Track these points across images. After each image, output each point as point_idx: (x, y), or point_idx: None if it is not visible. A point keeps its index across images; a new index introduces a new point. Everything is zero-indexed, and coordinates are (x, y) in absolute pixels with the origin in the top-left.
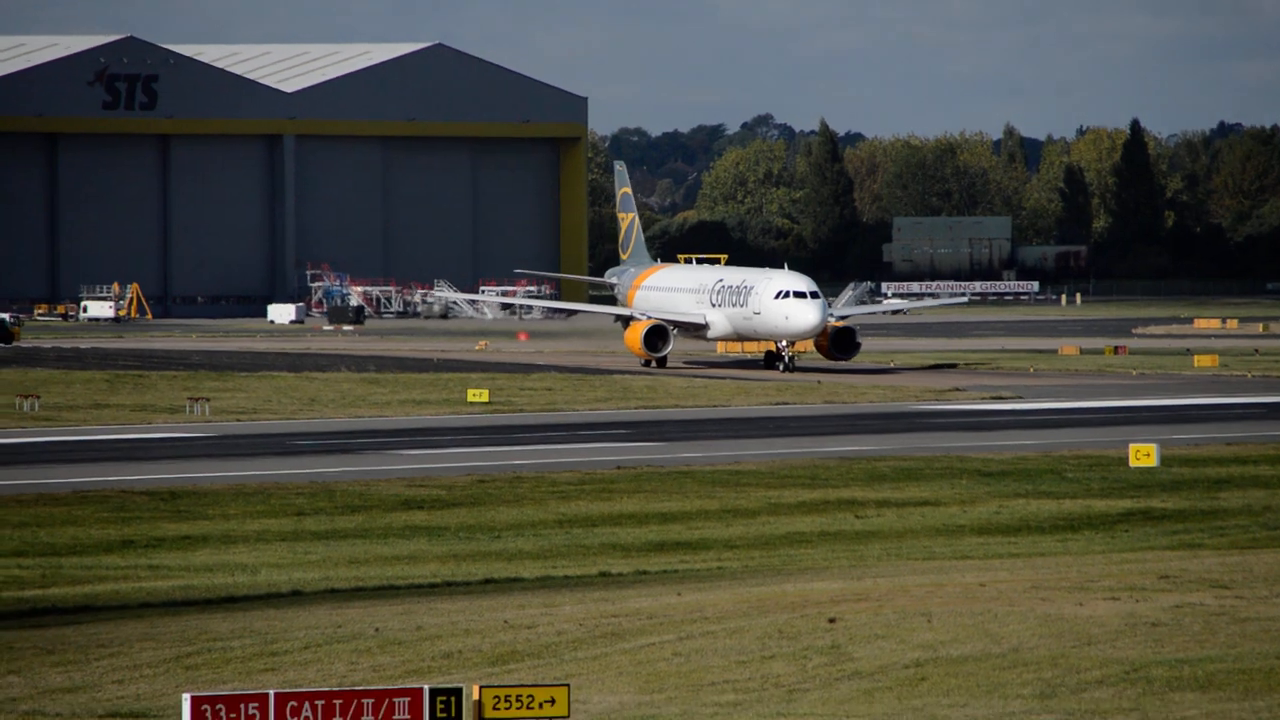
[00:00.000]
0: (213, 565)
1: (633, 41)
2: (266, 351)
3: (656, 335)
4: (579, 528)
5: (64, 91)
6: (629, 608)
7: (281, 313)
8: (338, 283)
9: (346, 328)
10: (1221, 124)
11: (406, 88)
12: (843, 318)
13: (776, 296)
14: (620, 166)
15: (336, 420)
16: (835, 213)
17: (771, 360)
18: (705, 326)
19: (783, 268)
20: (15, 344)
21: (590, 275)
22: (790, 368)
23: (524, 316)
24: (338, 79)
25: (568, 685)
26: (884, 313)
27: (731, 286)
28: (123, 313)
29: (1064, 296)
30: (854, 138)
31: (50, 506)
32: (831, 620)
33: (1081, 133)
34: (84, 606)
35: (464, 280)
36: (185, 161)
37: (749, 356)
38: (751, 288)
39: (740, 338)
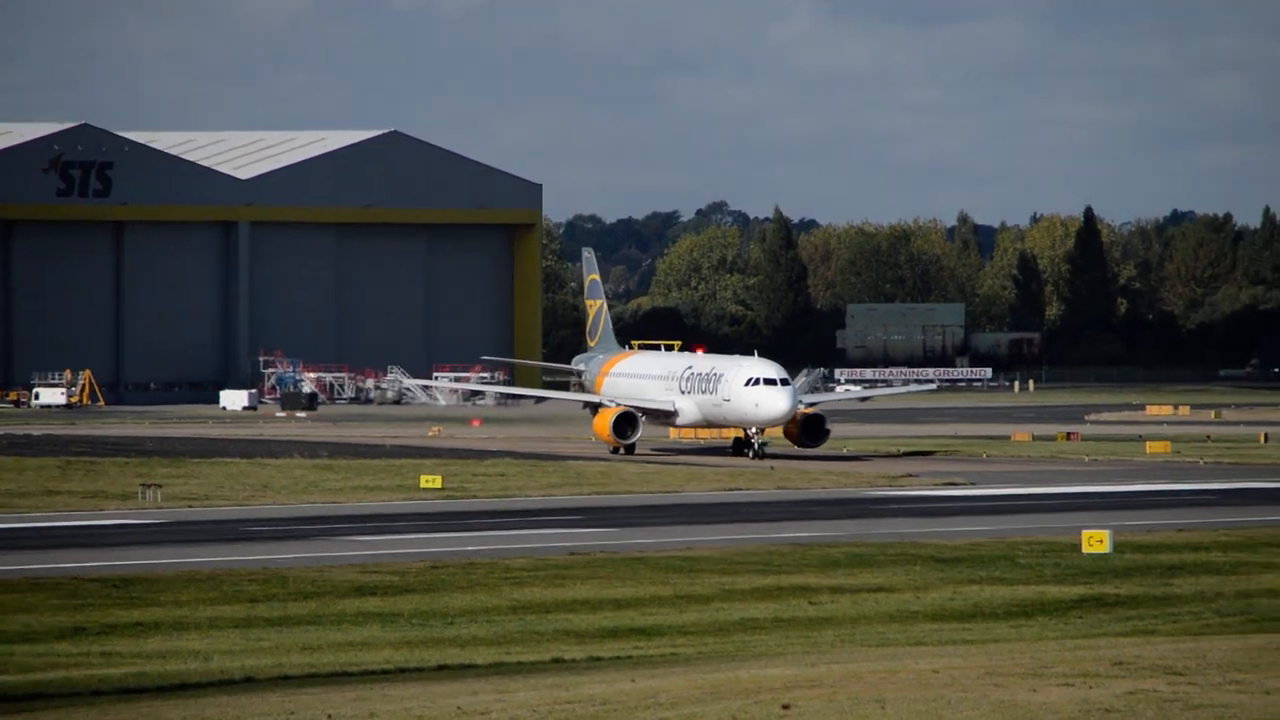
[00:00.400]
0: (165, 652)
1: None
2: (219, 438)
3: (625, 422)
4: (532, 614)
5: (18, 178)
6: (583, 694)
7: (234, 399)
8: (291, 369)
9: (299, 414)
10: (1174, 211)
11: (362, 174)
12: (812, 404)
13: (747, 384)
14: (589, 254)
15: (289, 506)
16: (789, 299)
17: (740, 447)
18: (674, 414)
19: (752, 354)
20: None
21: (545, 361)
22: (760, 454)
23: (477, 403)
24: (293, 165)
25: None
26: (853, 398)
27: (701, 374)
28: (75, 399)
29: (1017, 383)
30: (808, 224)
31: (1, 594)
32: (785, 707)
33: (1035, 220)
34: (35, 694)
35: (417, 365)
36: (139, 248)
37: (715, 443)
38: (721, 375)
39: (710, 424)
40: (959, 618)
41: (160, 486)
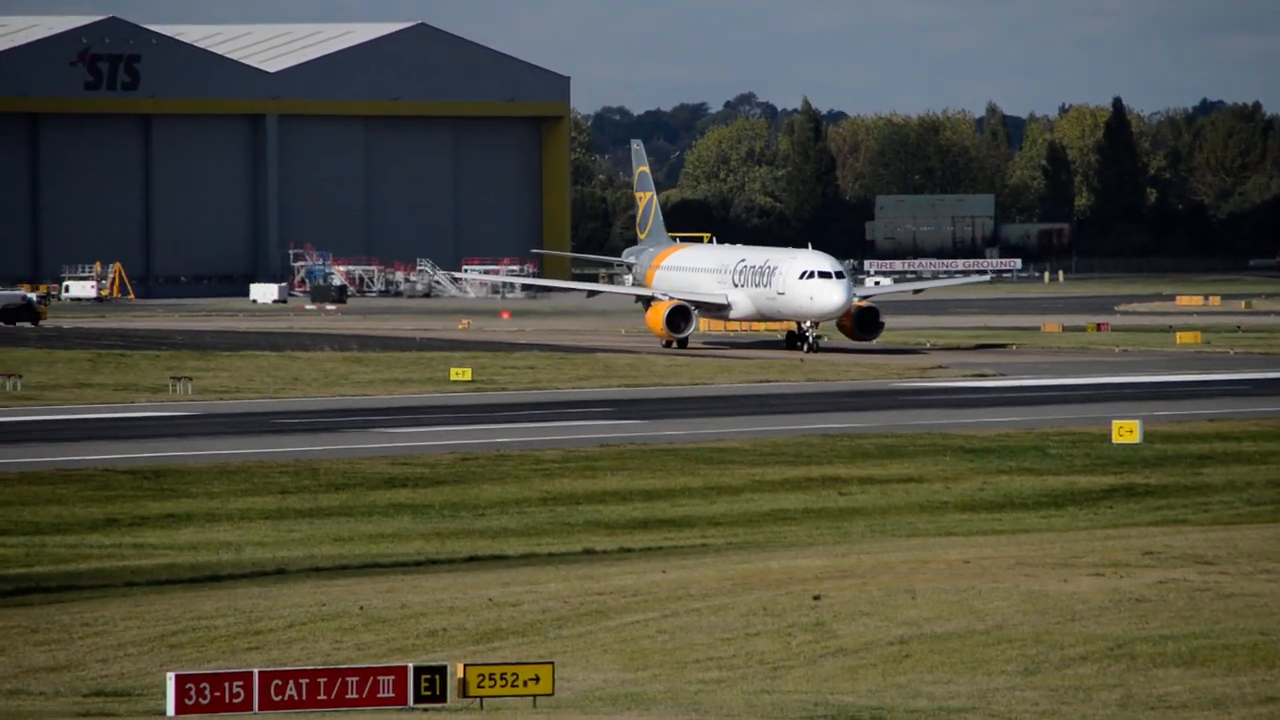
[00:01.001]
0: (197, 544)
1: (615, 20)
2: (249, 331)
3: (679, 315)
4: (563, 505)
5: (46, 72)
6: (613, 585)
7: (264, 292)
8: (320, 262)
9: (329, 307)
10: (1204, 101)
11: (389, 67)
12: (865, 297)
13: (801, 276)
14: (638, 145)
15: (319, 399)
16: (818, 191)
17: (794, 341)
18: (727, 307)
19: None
20: (42, 324)
21: (577, 253)
22: (814, 348)
23: (506, 295)
24: (320, 59)
25: (552, 663)
26: (907, 290)
27: (754, 266)
28: (105, 293)
29: (1046, 274)
30: (837, 116)
31: (34, 485)
32: (816, 597)
33: (1064, 111)
34: (68, 585)
35: (446, 259)
36: (167, 141)
37: (767, 338)
38: (775, 268)
39: (763, 318)
40: (989, 508)
41: (191, 379)
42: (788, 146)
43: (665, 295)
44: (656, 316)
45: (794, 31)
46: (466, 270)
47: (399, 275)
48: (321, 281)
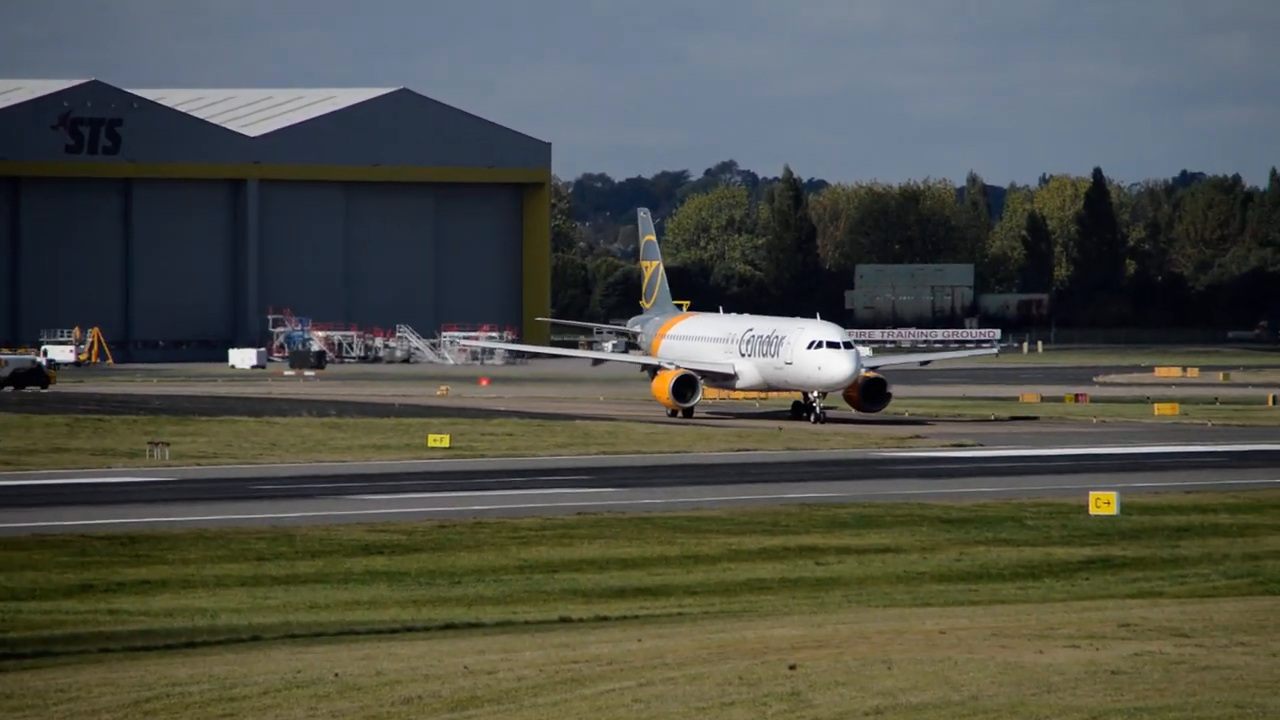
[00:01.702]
0: (172, 610)
1: (596, 87)
2: (227, 396)
3: (685, 385)
4: (539, 573)
5: (27, 135)
6: (589, 653)
7: (243, 357)
8: (299, 327)
9: (308, 373)
10: (1184, 172)
11: (370, 132)
12: (873, 368)
13: (809, 346)
14: (644, 213)
15: (297, 465)
16: (797, 259)
17: (800, 411)
18: (734, 376)
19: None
20: (52, 388)
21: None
22: (821, 419)
23: (485, 362)
24: (302, 124)
25: None
26: (914, 362)
27: (762, 336)
28: (83, 357)
29: (1025, 344)
30: (817, 184)
31: (9, 551)
32: (792, 667)
33: (1044, 181)
34: (42, 651)
35: (426, 325)
36: (148, 206)
37: (772, 408)
38: (783, 337)
39: (770, 388)
40: (966, 579)
41: (168, 444)
42: (768, 215)
43: (671, 364)
44: (663, 385)
45: (775, 99)
46: (447, 337)
47: (378, 341)
48: (300, 347)
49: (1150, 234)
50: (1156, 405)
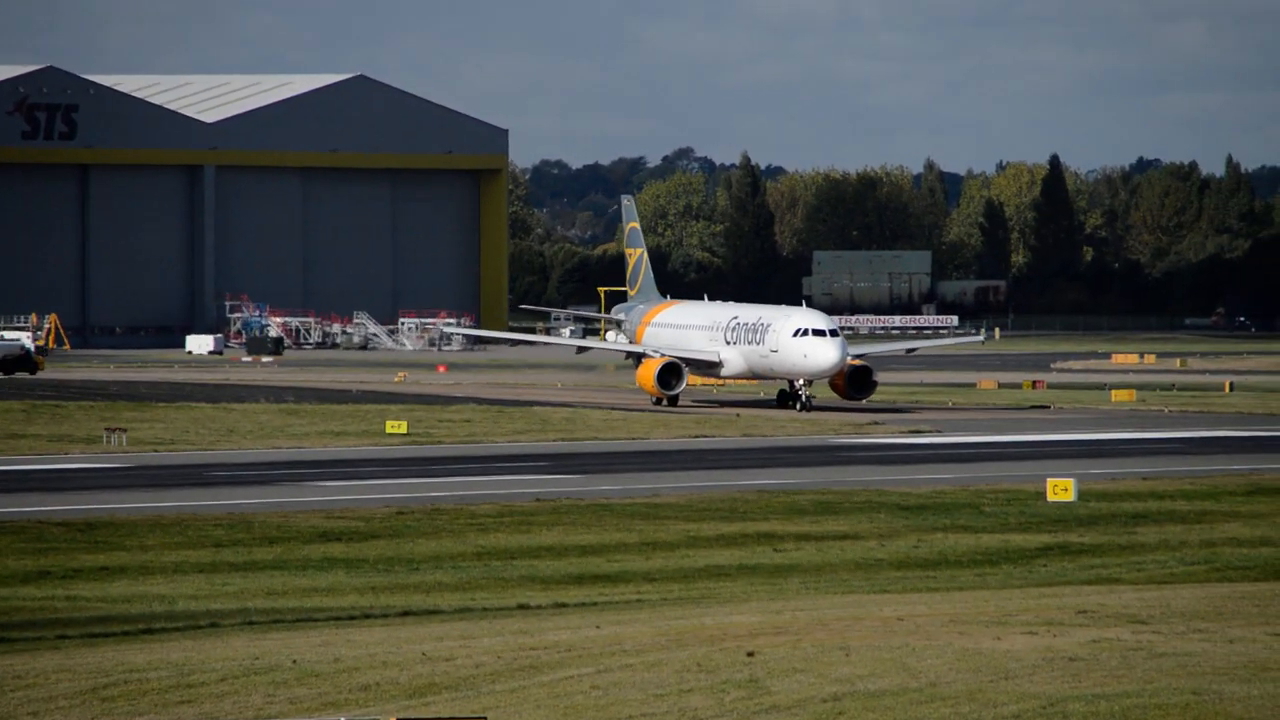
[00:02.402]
0: (130, 596)
1: (554, 74)
2: (185, 382)
3: (670, 373)
4: (497, 560)
5: None
6: (547, 640)
7: (200, 343)
8: (257, 313)
9: (265, 359)
10: (1141, 159)
11: (327, 119)
12: (859, 356)
13: (795, 334)
14: (628, 200)
15: (254, 451)
16: (755, 246)
17: (785, 399)
18: (719, 364)
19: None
20: (41, 374)
21: (508, 309)
22: (806, 407)
23: (443, 348)
24: (258, 110)
25: (485, 718)
26: (900, 350)
27: (747, 324)
28: (40, 343)
29: (982, 330)
30: (775, 171)
31: None
32: (750, 654)
33: (1001, 168)
34: None
35: (383, 311)
36: (105, 191)
37: (755, 396)
38: (769, 325)
39: (755, 376)
40: (924, 565)
41: (125, 431)
42: (726, 201)
43: (656, 352)
44: (648, 373)
45: (733, 86)
46: (403, 323)
47: (336, 327)
48: (258, 333)
49: (1107, 221)
50: (1114, 392)
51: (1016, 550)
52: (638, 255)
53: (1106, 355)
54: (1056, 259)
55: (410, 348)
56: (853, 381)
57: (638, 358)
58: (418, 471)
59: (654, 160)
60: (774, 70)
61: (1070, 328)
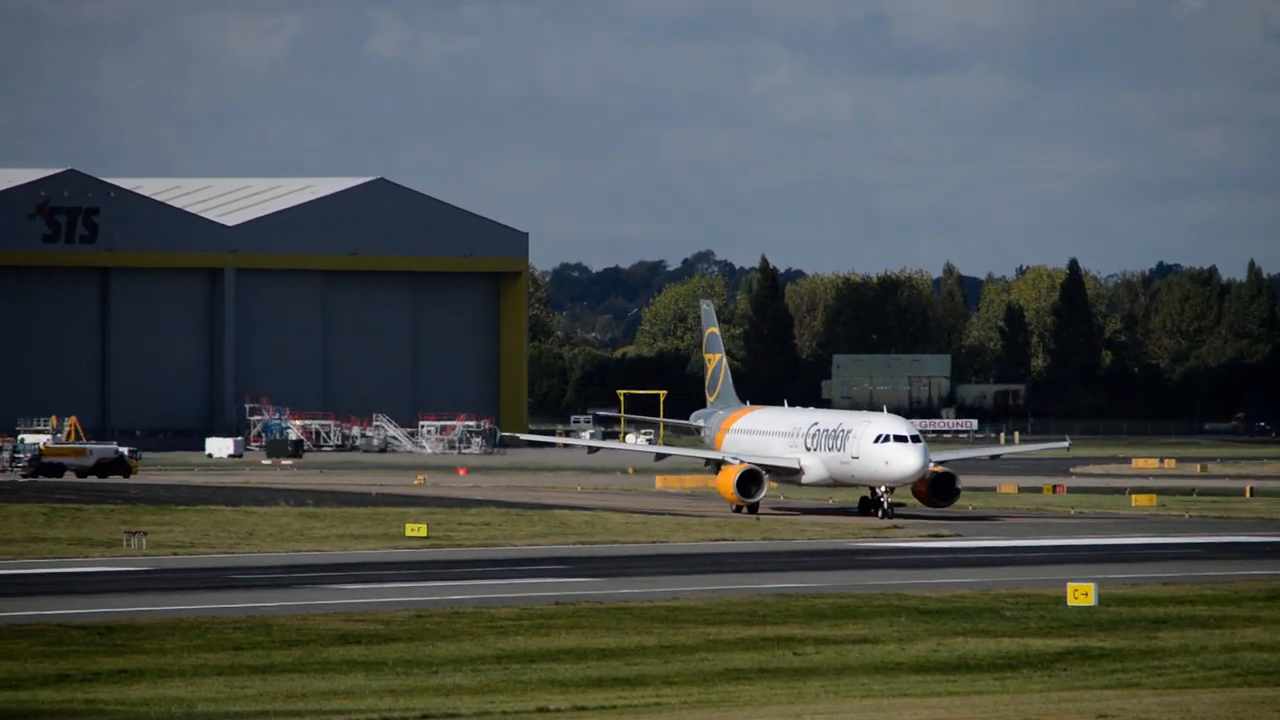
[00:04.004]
0: (149, 700)
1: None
2: (205, 485)
3: (750, 480)
4: (516, 663)
5: (5, 224)
6: None
7: (220, 446)
8: (277, 416)
9: (285, 461)
10: (1160, 264)
11: (348, 222)
12: (941, 462)
13: (876, 440)
14: (707, 305)
15: (274, 554)
16: (775, 349)
17: (867, 506)
18: (799, 471)
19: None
20: (133, 478)
21: (527, 411)
22: (889, 514)
23: (462, 451)
24: (279, 213)
25: None
26: (984, 456)
27: (828, 430)
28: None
29: (1003, 435)
30: (794, 274)
31: None
32: None
33: (1021, 272)
34: None
35: (403, 414)
36: (125, 294)
37: (839, 504)
38: (849, 431)
39: (836, 483)
40: (943, 669)
41: (145, 534)
42: (745, 304)
43: (736, 458)
44: (727, 480)
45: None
46: (422, 426)
47: (355, 430)
48: (278, 436)
49: (1127, 325)
50: (1134, 496)
51: (1036, 654)
52: (717, 360)
53: (1126, 460)
54: (1076, 363)
55: (429, 450)
56: (935, 489)
57: (717, 464)
58: (437, 574)
59: (674, 263)
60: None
61: (1090, 432)
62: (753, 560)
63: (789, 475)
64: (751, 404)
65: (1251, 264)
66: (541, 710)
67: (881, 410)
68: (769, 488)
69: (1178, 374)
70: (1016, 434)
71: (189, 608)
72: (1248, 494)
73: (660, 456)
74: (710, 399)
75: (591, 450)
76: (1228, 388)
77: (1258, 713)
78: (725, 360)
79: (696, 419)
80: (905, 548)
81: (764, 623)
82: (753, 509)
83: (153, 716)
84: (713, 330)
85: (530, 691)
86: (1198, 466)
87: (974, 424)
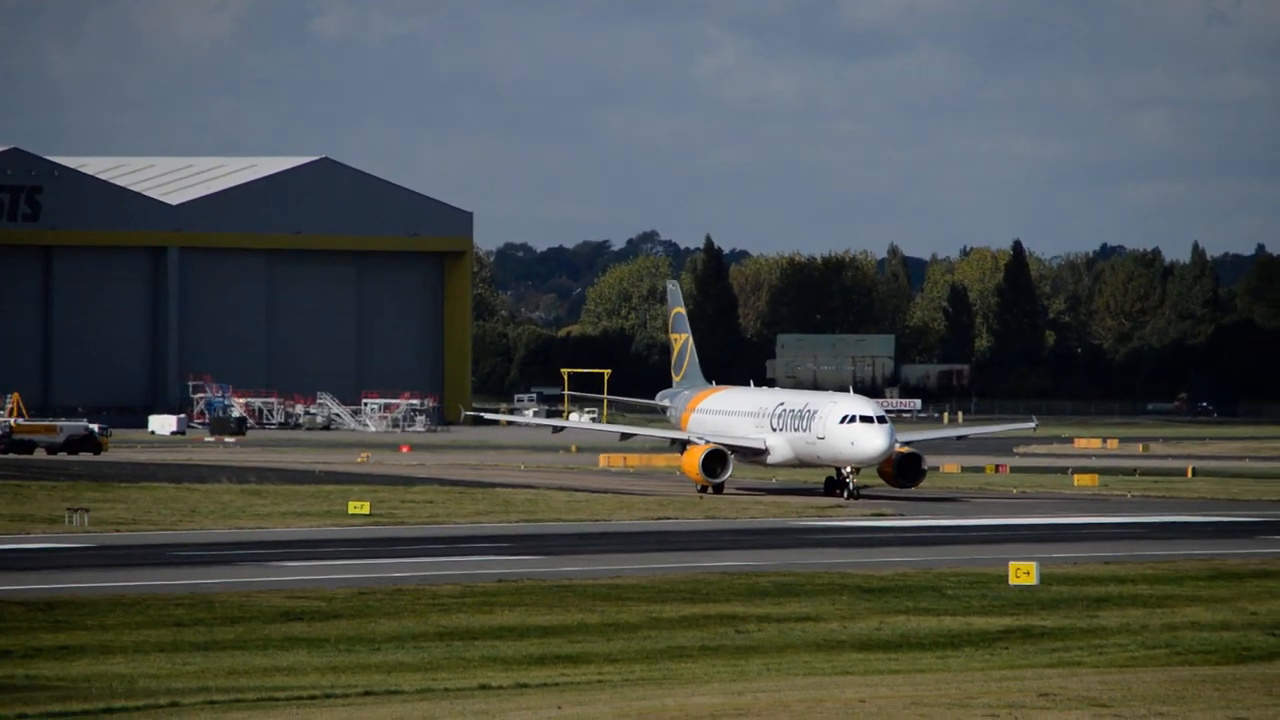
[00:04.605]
0: (90, 676)
1: (519, 157)
2: (148, 462)
3: (715, 460)
4: (459, 640)
5: None
6: None
7: (163, 423)
8: (220, 394)
9: (228, 439)
10: (1104, 246)
11: (292, 201)
12: (908, 443)
13: (842, 421)
14: (673, 285)
15: (217, 531)
16: (720, 329)
17: (832, 487)
18: (765, 451)
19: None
20: (104, 455)
21: (471, 390)
22: (854, 495)
23: (406, 429)
24: (223, 191)
25: None
26: (951, 437)
27: (794, 410)
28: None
29: (946, 414)
30: (739, 255)
31: None
32: None
33: (965, 253)
34: None
35: (347, 392)
36: (68, 272)
37: (803, 485)
38: (815, 411)
39: (802, 463)
40: (885, 648)
41: (88, 511)
42: (690, 284)
43: (701, 439)
44: (692, 460)
45: (696, 171)
46: (366, 404)
47: (299, 408)
48: (221, 413)
49: (1070, 306)
50: (1076, 476)
51: (978, 633)
52: (683, 340)
53: (1069, 440)
54: (1019, 343)
55: (373, 429)
56: (901, 469)
57: (682, 445)
58: (380, 552)
59: (618, 244)
60: (738, 155)
61: (1033, 412)
62: (696, 538)
63: (754, 455)
64: (718, 384)
65: (1195, 246)
66: (484, 687)
67: (827, 390)
68: (734, 468)
69: (1121, 355)
70: (960, 414)
71: (131, 584)
72: (1189, 474)
73: (625, 436)
74: (676, 379)
75: (556, 430)
76: (1170, 368)
77: (1198, 691)
78: (692, 340)
79: (662, 399)
80: (848, 526)
81: (707, 600)
82: (718, 489)
83: (94, 693)
84: (679, 310)
85: (472, 669)
86: (1140, 446)
87: (918, 404)
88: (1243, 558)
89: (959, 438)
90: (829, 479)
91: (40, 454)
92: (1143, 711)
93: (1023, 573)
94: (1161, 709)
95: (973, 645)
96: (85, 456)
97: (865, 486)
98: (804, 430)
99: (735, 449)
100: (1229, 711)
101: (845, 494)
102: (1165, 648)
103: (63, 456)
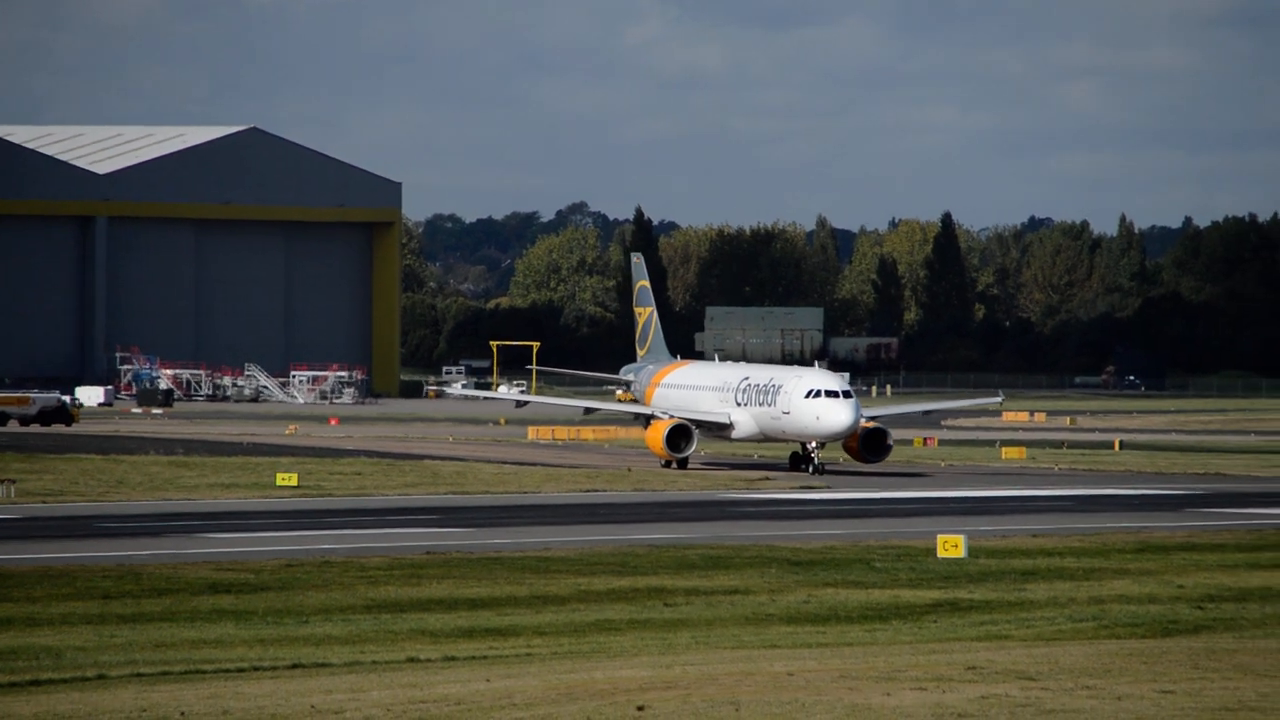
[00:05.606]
0: (16, 648)
1: (447, 128)
2: (75, 434)
3: (679, 435)
4: (387, 613)
5: None
6: (437, 693)
7: (90, 395)
8: (147, 365)
9: (156, 410)
10: (1032, 218)
11: (221, 171)
12: (873, 418)
13: (807, 395)
14: (638, 259)
15: (144, 503)
16: None
17: (797, 462)
18: (730, 426)
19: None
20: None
21: (400, 362)
22: (819, 470)
23: (334, 401)
24: (151, 161)
25: None
26: (917, 412)
27: (759, 385)
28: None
29: (874, 388)
30: (668, 226)
31: None
32: (640, 708)
33: (894, 225)
34: None
35: (275, 364)
36: None
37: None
38: (780, 386)
39: (767, 438)
40: (814, 620)
41: (14, 481)
42: (619, 256)
43: (665, 413)
44: (656, 435)
45: (626, 142)
46: (294, 376)
47: (227, 380)
48: (148, 385)
49: (999, 279)
50: (1004, 449)
51: (906, 606)
52: (648, 314)
53: (997, 413)
54: (948, 316)
55: (302, 400)
56: (867, 444)
57: (646, 419)
58: (308, 524)
59: (547, 215)
60: (666, 126)
61: (961, 384)
62: (624, 511)
63: (719, 430)
64: (682, 358)
65: (1123, 218)
66: (412, 660)
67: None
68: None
69: (1049, 328)
70: (889, 387)
71: (57, 556)
72: (1116, 447)
73: (589, 411)
74: (640, 353)
75: (520, 404)
76: (1098, 342)
77: (1124, 664)
78: (656, 314)
79: (626, 373)
80: (777, 499)
81: (635, 573)
82: (682, 464)
83: (20, 665)
84: (643, 284)
85: (401, 641)
86: (1068, 420)
87: (846, 377)
88: (1169, 530)
89: (925, 413)
90: (794, 454)
91: (13, 426)
92: (1070, 684)
93: (951, 545)
94: (1088, 682)
95: (901, 618)
96: (58, 428)
97: (830, 461)
98: (769, 405)
99: (700, 424)
100: (1155, 684)
101: (810, 469)
102: (1092, 621)
103: (35, 428)
